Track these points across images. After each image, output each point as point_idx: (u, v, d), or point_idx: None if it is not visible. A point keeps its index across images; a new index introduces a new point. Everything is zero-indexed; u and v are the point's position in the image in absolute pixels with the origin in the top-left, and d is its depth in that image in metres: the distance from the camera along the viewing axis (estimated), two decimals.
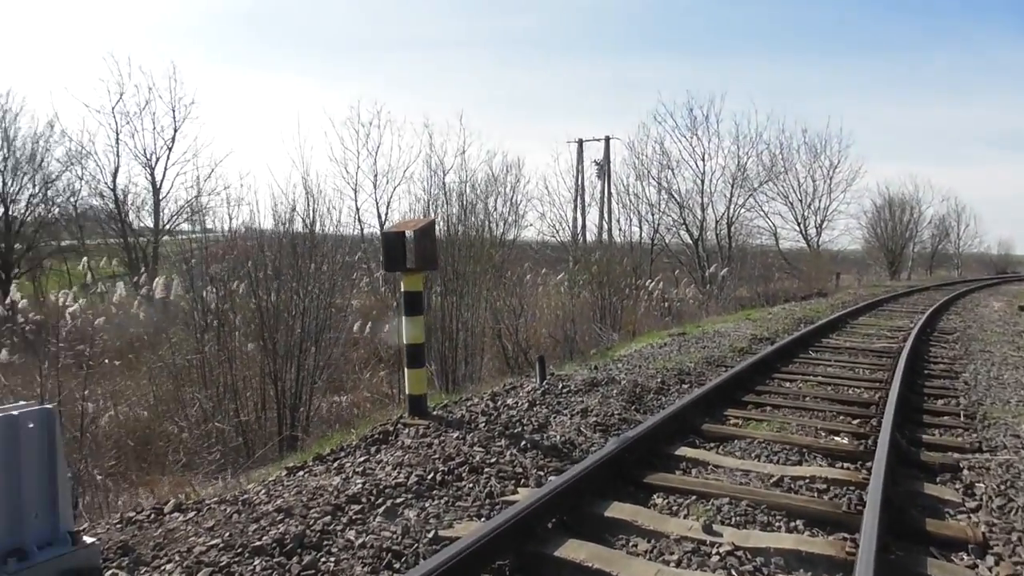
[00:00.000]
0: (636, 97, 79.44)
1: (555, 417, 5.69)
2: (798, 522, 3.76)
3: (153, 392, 8.71)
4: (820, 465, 4.76)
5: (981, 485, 4.52)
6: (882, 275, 44.50)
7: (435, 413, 5.68)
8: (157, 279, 12.03)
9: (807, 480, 4.39)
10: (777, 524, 3.73)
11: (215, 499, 3.84)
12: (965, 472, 4.74)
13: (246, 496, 3.86)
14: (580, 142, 37.77)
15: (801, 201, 37.36)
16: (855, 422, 5.96)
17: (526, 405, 6.05)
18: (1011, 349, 10.89)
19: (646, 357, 8.91)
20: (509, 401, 6.22)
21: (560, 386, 6.85)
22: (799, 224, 37.59)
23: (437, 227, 8.08)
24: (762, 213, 35.67)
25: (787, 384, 7.53)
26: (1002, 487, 4.44)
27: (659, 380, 7.22)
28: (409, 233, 5.51)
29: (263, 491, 3.96)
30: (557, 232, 29.89)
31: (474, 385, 9.56)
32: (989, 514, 4.05)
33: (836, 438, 5.46)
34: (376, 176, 28.02)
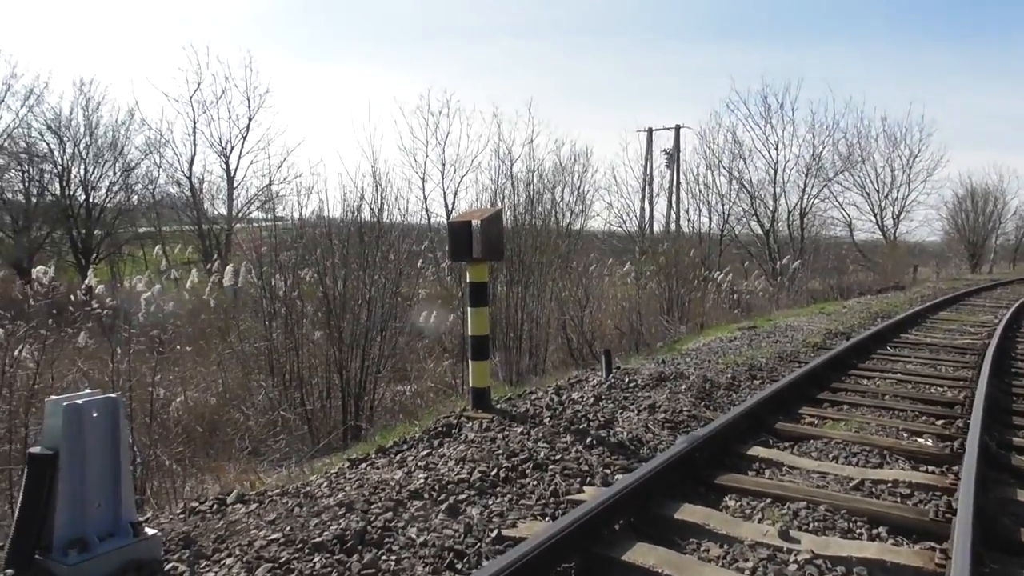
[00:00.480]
0: (707, 85, 77.81)
1: (621, 413, 5.55)
2: (881, 529, 3.54)
3: (222, 379, 8.89)
4: (903, 468, 4.50)
5: None
6: (962, 268, 42.60)
7: (499, 406, 5.61)
8: (228, 266, 12.29)
9: (889, 484, 4.15)
10: (858, 531, 3.52)
11: (278, 491, 3.84)
12: None
13: (308, 488, 3.86)
14: (650, 131, 37.17)
15: (878, 191, 36.00)
16: (939, 423, 5.64)
17: (591, 400, 5.92)
18: None
19: (715, 351, 8.67)
20: (574, 395, 6.11)
21: (626, 380, 6.70)
22: (875, 215, 36.25)
23: (504, 217, 8.03)
24: (837, 204, 34.54)
25: (864, 382, 7.20)
26: None
27: (729, 375, 6.99)
28: (475, 223, 5.44)
29: (325, 483, 3.95)
30: (624, 222, 29.57)
31: (538, 378, 9.49)
32: None
33: (919, 439, 5.17)
34: (444, 165, 28.08)
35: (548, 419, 5.23)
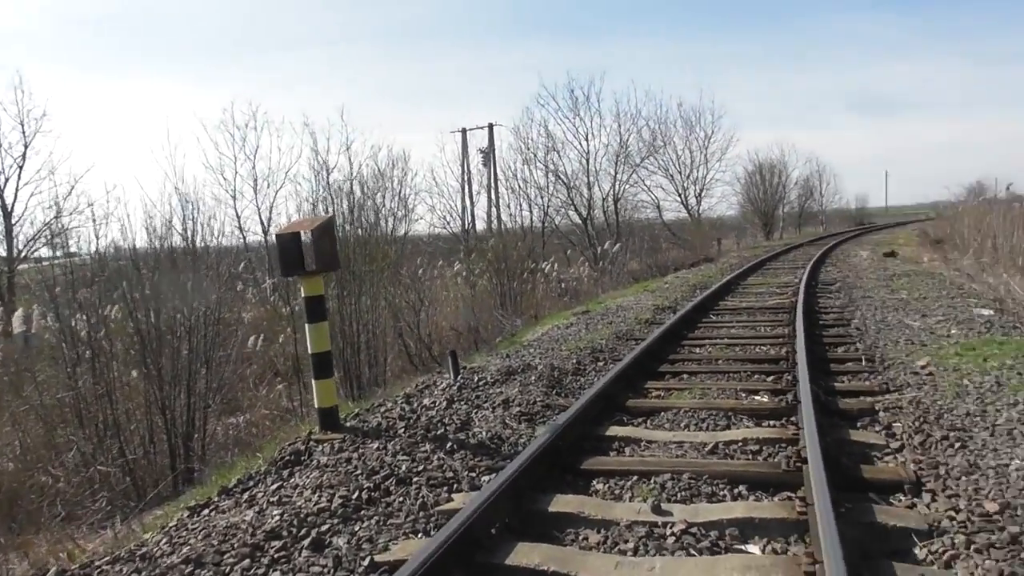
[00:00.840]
0: (520, 83, 79.89)
1: (477, 412, 5.43)
2: (741, 488, 3.66)
3: (19, 440, 7.83)
4: (748, 427, 4.72)
5: (899, 424, 4.62)
6: (758, 237, 46.56)
7: (349, 425, 5.30)
8: (16, 312, 10.90)
9: (740, 443, 4.33)
10: (722, 493, 3.62)
11: (107, 558, 3.35)
12: (881, 414, 4.83)
13: (144, 549, 3.39)
14: (464, 131, 37.45)
15: (680, 173, 38.47)
16: (770, 379, 6.02)
17: (444, 403, 5.76)
18: (887, 292, 11.49)
19: (555, 339, 8.79)
20: (426, 401, 5.92)
21: (476, 379, 6.60)
22: (680, 195, 38.72)
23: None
24: (645, 187, 36.50)
25: (697, 350, 7.56)
26: (918, 423, 4.54)
27: (574, 361, 7.08)
28: (305, 233, 5.09)
29: (164, 539, 3.50)
30: (448, 223, 29.62)
31: (383, 389, 9.18)
32: (913, 451, 4.11)
33: (757, 397, 5.47)
34: (256, 181, 26.66)
35: (403, 430, 5.00)
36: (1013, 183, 30.21)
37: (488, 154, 38.51)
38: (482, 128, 37.74)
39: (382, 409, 5.88)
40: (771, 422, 4.82)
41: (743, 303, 11.10)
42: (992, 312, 9.06)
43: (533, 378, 6.36)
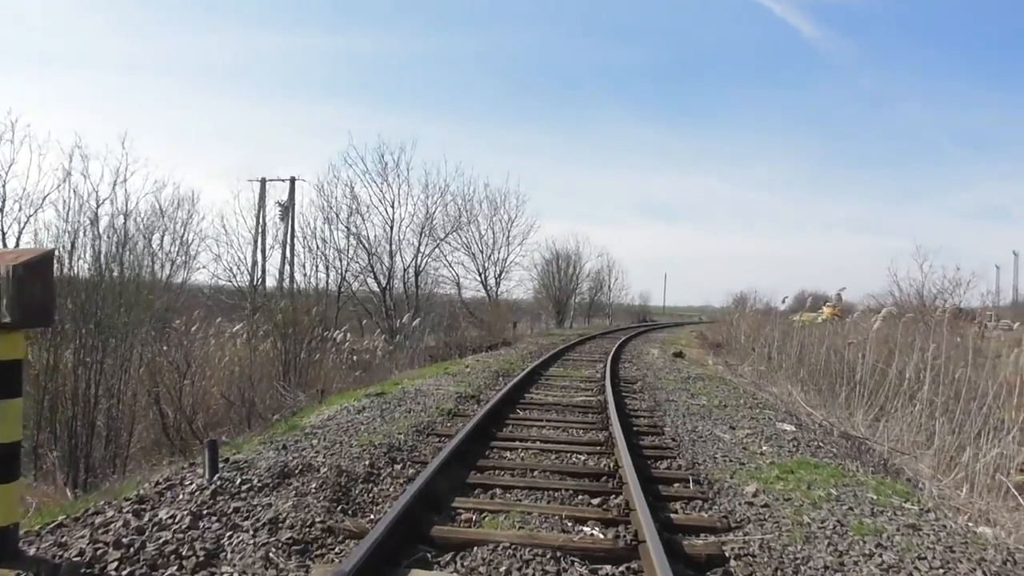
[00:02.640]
0: (327, 141, 77.82)
1: (232, 537, 4.03)
2: None
3: None
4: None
5: None
6: (551, 324, 47.73)
7: (34, 553, 3.70)
8: None
9: None
10: None
11: None
12: (733, 563, 4.10)
13: None
14: (263, 181, 35.22)
15: (482, 252, 38.58)
16: (597, 501, 5.16)
17: (188, 519, 4.28)
18: (688, 397, 11.38)
19: (344, 428, 7.46)
20: (163, 513, 4.40)
21: (238, 480, 5.16)
22: (480, 274, 38.73)
23: (77, 265, 5.94)
24: (447, 263, 36.10)
25: (508, 455, 6.61)
26: None
27: (367, 462, 5.83)
28: (3, 270, 3.55)
29: None
30: (235, 276, 27.13)
31: (118, 476, 7.32)
32: None
33: (586, 528, 4.56)
34: (4, 200, 22.76)
35: (115, 567, 3.51)
36: (788, 296, 33.12)
37: (288, 208, 36.49)
38: (284, 180, 35.78)
39: (97, 520, 4.30)
40: (611, 568, 3.91)
41: (550, 397, 10.41)
42: (794, 428, 9.02)
43: (314, 485, 5.04)
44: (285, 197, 34.42)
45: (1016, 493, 7.69)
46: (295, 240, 31.66)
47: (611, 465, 6.17)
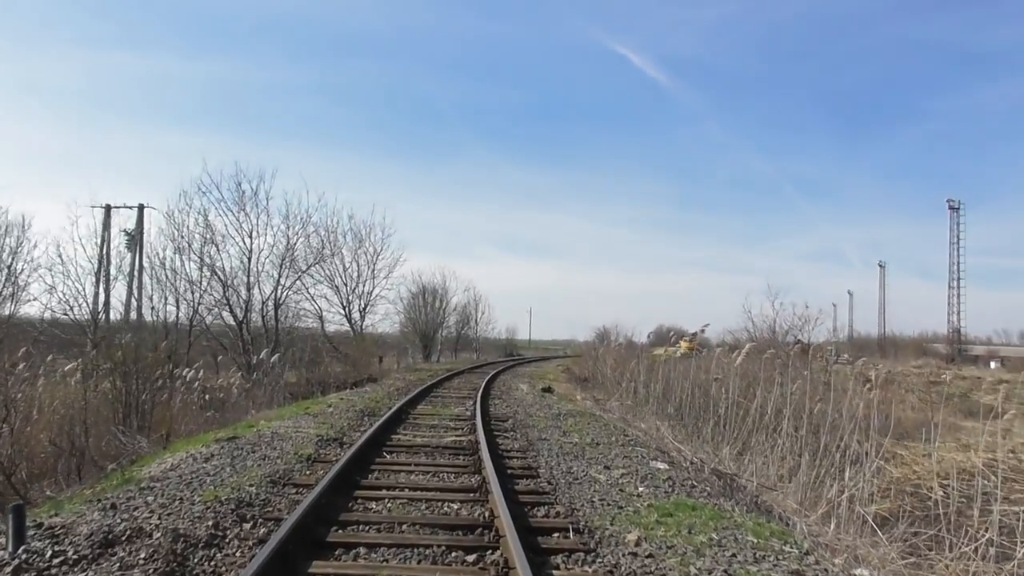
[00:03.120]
0: (177, 168, 73.41)
1: None
2: None
3: None
4: None
5: None
6: (418, 358, 46.92)
7: None
8: None
9: None
10: None
11: None
12: None
13: None
14: (107, 208, 32.70)
15: (346, 285, 37.33)
16: (472, 559, 4.71)
17: None
18: (560, 435, 11.16)
19: (188, 480, 6.62)
20: None
21: (49, 552, 4.34)
22: (344, 308, 37.42)
23: None
24: (309, 296, 34.59)
25: (374, 506, 6.04)
26: None
27: (211, 523, 5.09)
28: None
29: None
30: (72, 309, 24.69)
31: None
32: None
33: None
34: None
35: None
36: (650, 331, 34.15)
37: (136, 237, 34.13)
38: (131, 208, 33.46)
39: None
40: None
41: (418, 438, 9.88)
42: (667, 466, 8.95)
43: (143, 555, 4.30)
44: (130, 226, 32.10)
45: (875, 527, 7.92)
46: (143, 271, 29.48)
47: (486, 515, 5.74)
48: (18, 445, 11.05)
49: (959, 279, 67.71)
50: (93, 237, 28.47)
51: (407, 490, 6.60)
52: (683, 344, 32.30)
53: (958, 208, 69.25)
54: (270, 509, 5.65)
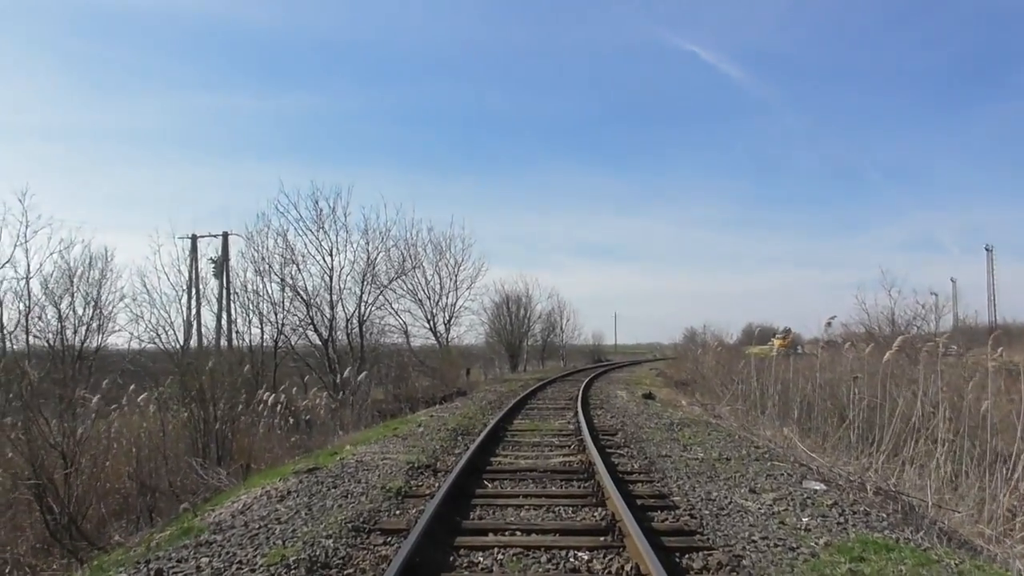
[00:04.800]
0: (255, 197, 74.46)
1: None
2: None
3: None
4: None
5: None
6: (504, 368, 45.84)
7: None
8: None
9: None
10: None
11: None
12: None
13: None
14: (194, 237, 32.89)
15: (429, 298, 36.49)
16: None
17: None
18: (680, 450, 9.71)
19: (255, 529, 5.50)
20: None
21: None
22: (429, 321, 36.60)
23: None
24: (393, 311, 33.90)
25: (482, 559, 4.77)
26: None
27: None
28: None
29: None
30: (159, 336, 24.56)
31: None
32: None
33: None
34: None
35: None
36: (735, 330, 32.00)
37: (222, 264, 34.34)
38: (215, 236, 33.57)
39: None
40: None
41: (522, 460, 8.61)
42: (823, 487, 7.39)
43: None
44: (215, 254, 32.26)
45: None
46: (230, 297, 29.45)
47: (628, 570, 4.39)
48: (92, 482, 10.34)
49: None
50: (175, 265, 28.51)
51: (519, 534, 5.31)
52: (776, 342, 30.15)
53: None
54: (351, 572, 4.44)
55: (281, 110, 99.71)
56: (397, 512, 5.96)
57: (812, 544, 5.20)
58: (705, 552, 4.89)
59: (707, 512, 6.04)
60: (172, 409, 12.78)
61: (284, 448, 13.47)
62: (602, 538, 5.11)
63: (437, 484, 7.06)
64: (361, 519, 5.58)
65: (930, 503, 7.84)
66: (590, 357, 67.27)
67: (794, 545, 5.15)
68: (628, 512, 5.37)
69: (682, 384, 27.70)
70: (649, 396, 19.51)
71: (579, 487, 7.01)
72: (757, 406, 16.86)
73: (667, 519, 5.83)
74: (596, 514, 5.88)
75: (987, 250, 72.13)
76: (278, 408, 15.42)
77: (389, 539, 5.07)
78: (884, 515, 6.42)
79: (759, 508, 6.31)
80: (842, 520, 5.94)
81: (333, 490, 6.85)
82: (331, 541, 4.91)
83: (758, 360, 20.26)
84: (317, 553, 4.68)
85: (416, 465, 8.16)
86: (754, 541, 5.24)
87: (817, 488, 7.29)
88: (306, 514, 5.81)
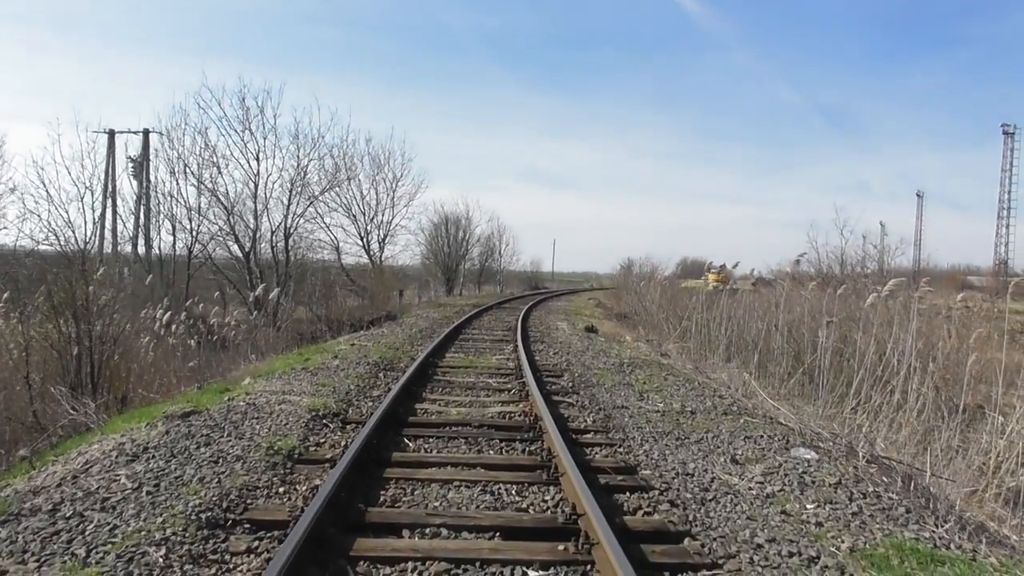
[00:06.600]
0: (179, 93, 69.08)
1: None
2: None
3: None
4: None
5: None
6: (439, 291, 44.27)
7: None
8: None
9: None
10: None
11: None
12: None
13: None
14: (111, 132, 29.69)
15: (364, 214, 34.22)
16: None
17: None
18: (635, 398, 8.40)
19: (65, 516, 3.85)
20: None
21: None
22: (362, 238, 34.49)
23: None
24: (324, 225, 31.67)
25: (389, 563, 3.29)
26: None
27: None
28: None
29: None
30: (59, 237, 22.02)
31: None
32: None
33: None
34: None
35: None
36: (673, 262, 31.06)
37: (141, 163, 31.35)
38: (135, 133, 30.45)
39: None
40: None
41: (455, 410, 7.14)
42: (815, 455, 6.14)
43: None
44: (132, 154, 29.30)
45: None
46: (150, 199, 26.79)
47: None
48: None
49: (1009, 209, 63.73)
50: (79, 158, 25.56)
51: (444, 533, 3.83)
52: (711, 277, 29.35)
53: (1013, 133, 64.62)
54: (200, 558, 2.89)
55: (217, 4, 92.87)
56: (280, 491, 4.40)
57: (833, 550, 3.91)
58: (699, 569, 3.51)
59: (689, 496, 4.69)
60: (33, 321, 10.78)
61: (180, 375, 11.72)
62: (561, 546, 3.66)
63: (343, 443, 5.53)
64: (224, 505, 3.99)
65: (929, 474, 6.73)
66: (528, 283, 66.25)
67: (813, 554, 3.84)
68: (592, 500, 3.94)
69: (623, 317, 26.67)
70: (592, 330, 18.29)
71: (525, 453, 5.58)
72: (707, 345, 15.80)
73: (642, 506, 4.44)
74: (549, 499, 4.45)
75: (918, 196, 73.22)
76: (176, 326, 13.53)
77: (255, 543, 3.52)
78: (894, 496, 5.20)
79: (749, 488, 5.00)
80: (855, 508, 4.67)
81: (204, 449, 5.22)
82: (162, 551, 3.31)
83: (706, 296, 19.21)
84: (142, 550, 3.10)
85: (321, 413, 6.57)
86: (759, 546, 3.91)
87: (808, 457, 6.04)
88: (149, 492, 4.18)
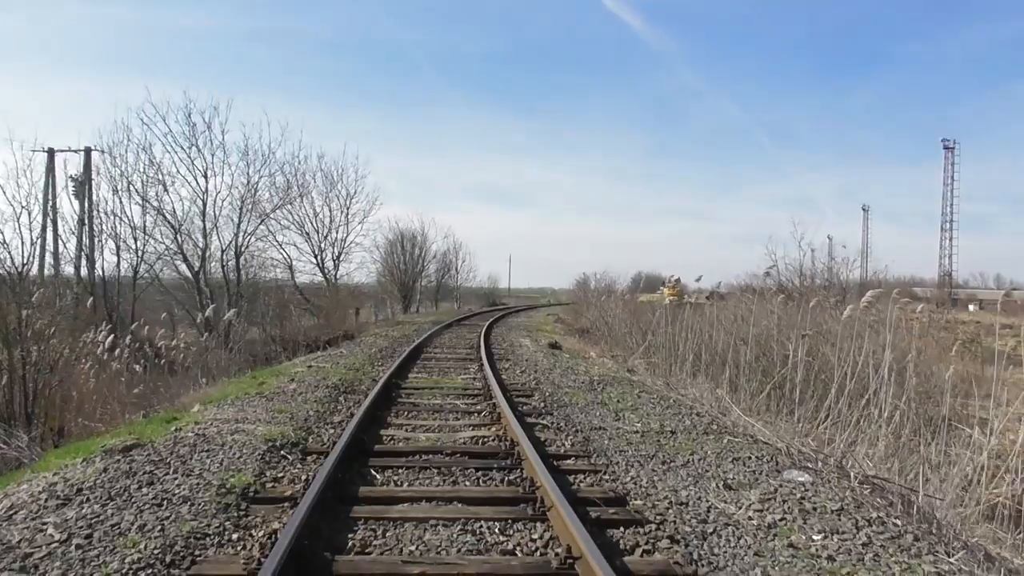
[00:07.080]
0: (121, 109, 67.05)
1: None
2: None
3: None
4: None
5: None
6: (396, 309, 43.53)
7: None
8: None
9: None
10: None
11: None
12: None
13: None
14: (51, 151, 28.42)
15: (318, 231, 33.40)
16: None
17: None
18: (612, 418, 8.03)
19: (7, 556, 3.31)
20: None
21: None
22: (316, 256, 33.66)
23: None
24: (276, 243, 30.82)
25: None
26: None
27: None
28: None
29: None
30: None
31: None
32: None
33: None
34: None
35: None
36: (629, 278, 30.98)
37: (84, 183, 30.13)
38: (77, 151, 29.28)
39: None
40: None
41: (421, 434, 6.66)
42: (810, 478, 5.81)
43: None
44: (73, 173, 28.16)
45: None
46: (91, 219, 25.63)
47: None
48: None
49: (952, 222, 65.55)
50: (14, 176, 24.37)
51: (417, 568, 3.36)
52: (666, 291, 29.33)
53: (953, 148, 66.62)
54: None
55: (159, 23, 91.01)
56: (233, 538, 3.87)
57: None
58: None
59: (688, 529, 4.29)
60: None
61: (124, 403, 10.99)
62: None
63: (304, 477, 5.01)
64: (167, 559, 3.46)
65: (922, 494, 6.47)
66: (485, 300, 65.75)
67: None
68: (589, 539, 3.52)
69: (584, 332, 26.36)
70: (555, 346, 17.91)
71: (504, 484, 5.13)
72: (673, 360, 15.53)
73: (639, 543, 4.02)
74: (537, 537, 4.01)
75: (864, 210, 74.97)
76: (121, 350, 12.76)
77: None
78: (897, 521, 4.89)
79: (749, 518, 4.63)
80: (864, 539, 4.34)
81: (146, 489, 4.65)
82: None
83: (689, 311, 19.03)
84: None
85: (279, 443, 6.03)
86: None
87: (802, 480, 5.71)
88: (79, 546, 3.62)
